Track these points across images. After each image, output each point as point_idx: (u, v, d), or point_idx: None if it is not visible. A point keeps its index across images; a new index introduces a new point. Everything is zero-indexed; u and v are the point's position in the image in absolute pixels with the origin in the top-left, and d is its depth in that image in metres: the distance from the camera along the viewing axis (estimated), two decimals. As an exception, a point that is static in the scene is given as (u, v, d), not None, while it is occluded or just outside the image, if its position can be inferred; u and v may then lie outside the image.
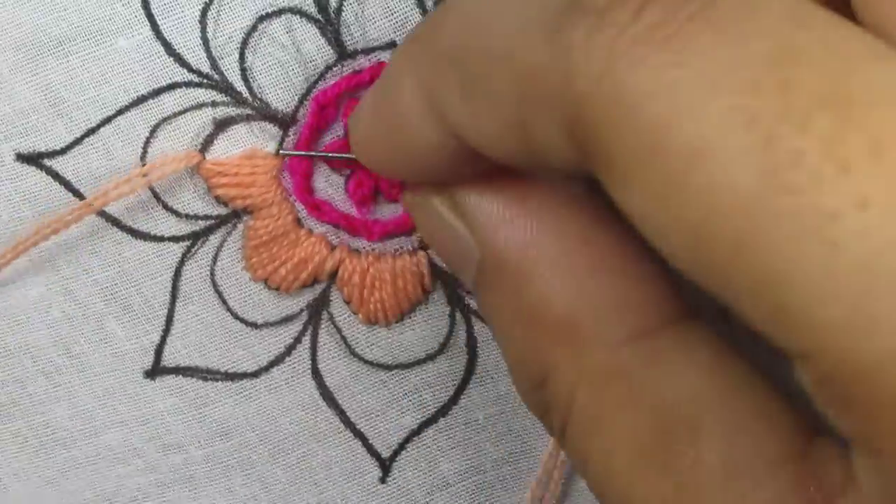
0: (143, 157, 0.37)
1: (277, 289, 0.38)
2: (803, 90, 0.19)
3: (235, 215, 0.38)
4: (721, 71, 0.20)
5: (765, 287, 0.20)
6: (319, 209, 0.37)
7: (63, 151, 0.37)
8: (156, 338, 0.39)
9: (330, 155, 0.37)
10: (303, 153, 0.37)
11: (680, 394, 0.25)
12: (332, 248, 0.38)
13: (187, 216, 0.37)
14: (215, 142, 0.37)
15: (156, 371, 0.39)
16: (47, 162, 0.37)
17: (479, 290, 0.30)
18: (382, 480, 0.40)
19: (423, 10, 0.36)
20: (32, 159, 0.37)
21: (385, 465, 0.40)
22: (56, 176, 0.37)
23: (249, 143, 0.37)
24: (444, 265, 0.38)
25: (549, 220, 0.28)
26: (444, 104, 0.26)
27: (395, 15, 0.36)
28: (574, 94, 0.22)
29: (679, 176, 0.20)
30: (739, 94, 0.20)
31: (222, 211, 0.38)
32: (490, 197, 0.29)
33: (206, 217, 0.38)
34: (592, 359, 0.26)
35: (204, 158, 0.37)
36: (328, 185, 0.38)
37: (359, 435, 0.40)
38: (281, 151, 0.37)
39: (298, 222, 0.38)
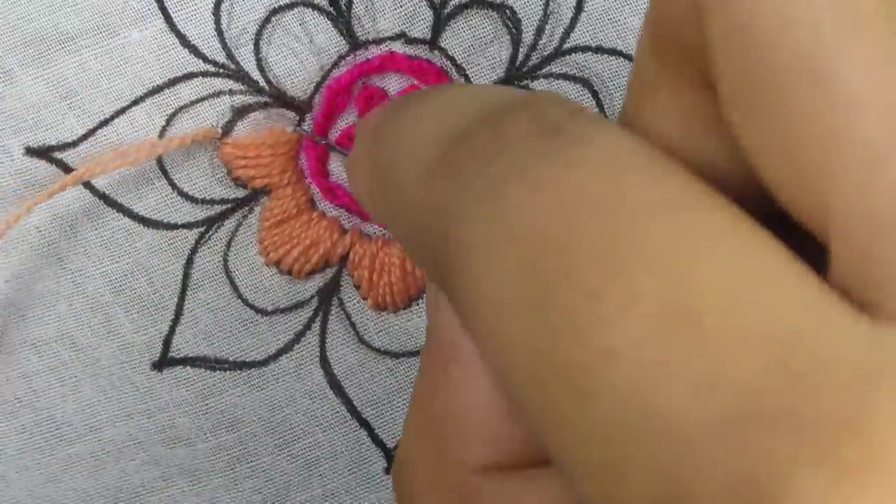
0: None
1: (289, 272, 0.39)
2: (584, 247, 0.20)
3: (253, 198, 0.38)
4: (521, 225, 0.21)
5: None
6: (333, 192, 0.38)
7: (74, 144, 0.37)
8: (164, 328, 0.39)
9: (341, 150, 0.38)
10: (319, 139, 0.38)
11: None
12: (344, 231, 0.39)
13: (203, 201, 0.38)
14: (235, 129, 0.38)
15: (163, 362, 0.39)
16: (58, 155, 0.37)
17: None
18: (388, 471, 0.41)
19: (431, 3, 0.37)
20: (42, 153, 0.37)
21: (391, 456, 0.40)
22: (66, 168, 0.37)
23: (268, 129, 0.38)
24: None
25: None
26: (374, 212, 0.28)
27: (403, 6, 0.37)
28: (433, 240, 0.23)
29: (483, 335, 0.21)
30: (530, 251, 0.20)
31: (240, 194, 0.38)
32: None
33: (223, 201, 0.38)
34: (447, 474, 0.27)
35: (220, 136, 0.37)
36: (343, 168, 0.39)
37: (364, 424, 0.40)
38: (296, 129, 0.38)
39: (313, 204, 0.39)
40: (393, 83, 0.38)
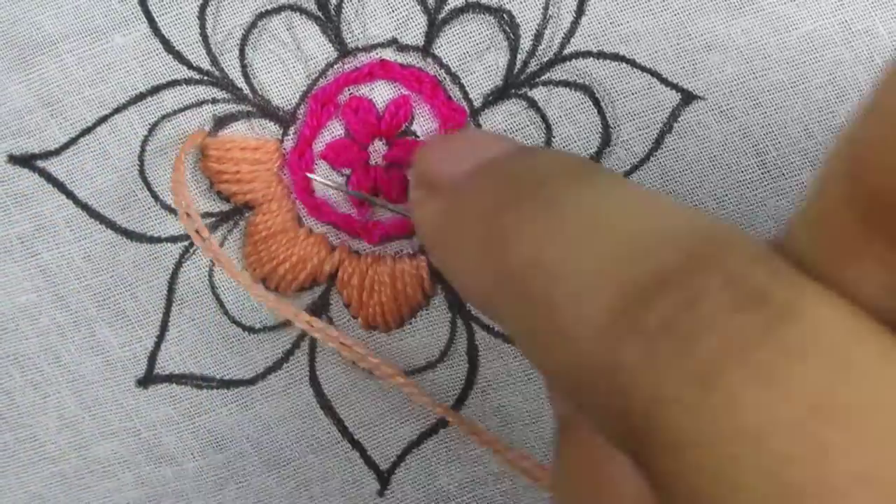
0: (140, 155, 0.36)
1: (276, 289, 0.37)
2: (840, 462, 0.19)
3: (237, 212, 0.37)
4: (759, 429, 0.20)
5: None
6: (319, 209, 0.37)
7: (57, 152, 0.37)
8: (149, 344, 0.38)
9: (354, 193, 0.37)
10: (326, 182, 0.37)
11: None
12: (332, 248, 0.37)
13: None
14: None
15: (149, 379, 0.38)
16: (40, 163, 0.37)
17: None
18: (381, 493, 0.39)
19: (425, 7, 0.36)
20: (25, 161, 0.37)
21: (383, 478, 0.39)
22: (49, 177, 0.37)
23: (250, 140, 0.37)
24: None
25: None
26: (499, 317, 0.27)
27: (396, 12, 0.36)
28: (627, 411, 0.22)
29: None
30: (775, 462, 0.20)
31: (224, 207, 0.37)
32: None
33: (207, 214, 0.37)
34: None
35: (207, 135, 0.36)
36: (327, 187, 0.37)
37: (357, 445, 0.39)
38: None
39: (299, 220, 0.37)
40: (381, 93, 0.37)
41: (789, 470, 0.19)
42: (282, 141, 0.37)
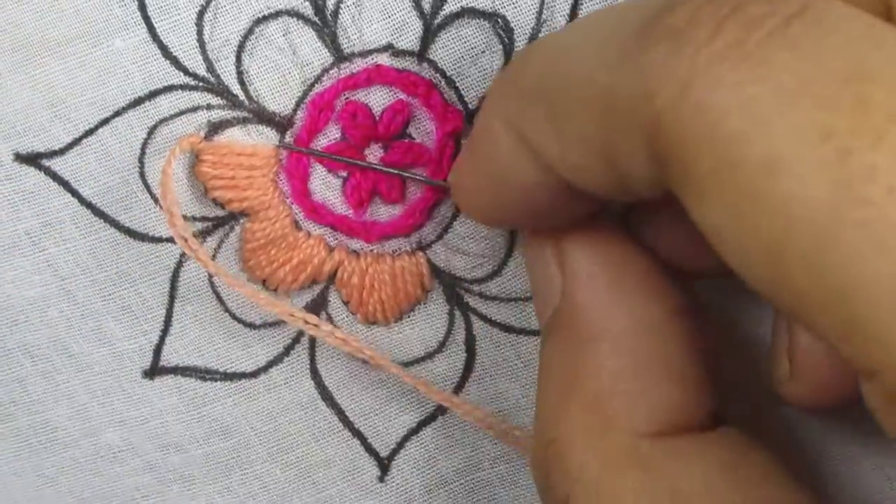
0: (140, 157, 0.37)
1: (276, 290, 0.38)
2: (877, 107, 0.20)
3: (233, 217, 0.38)
4: (798, 87, 0.21)
5: (837, 301, 0.20)
6: (317, 212, 0.37)
7: (61, 152, 0.37)
8: (154, 338, 0.39)
9: (331, 156, 0.37)
10: (306, 150, 0.37)
11: (695, 487, 0.27)
12: (331, 249, 0.38)
13: (184, 218, 0.37)
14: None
15: (154, 371, 0.39)
16: (46, 162, 0.37)
17: (545, 335, 0.31)
18: (381, 479, 0.40)
19: (420, 13, 0.36)
20: (31, 159, 0.37)
21: (384, 464, 0.40)
22: (55, 176, 0.37)
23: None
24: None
25: (631, 294, 0.30)
26: (535, 139, 0.27)
27: (391, 17, 0.36)
28: (654, 113, 0.22)
29: (756, 187, 0.21)
30: (815, 110, 0.20)
31: (220, 213, 0.38)
32: (586, 250, 0.30)
33: (204, 219, 0.38)
34: (615, 442, 0.28)
35: (202, 140, 0.37)
36: (325, 187, 0.38)
37: (357, 434, 0.40)
38: (280, 144, 0.37)
39: (296, 225, 0.38)
40: (378, 98, 0.37)
41: (834, 117, 0.20)
42: (278, 146, 0.37)
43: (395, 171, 0.37)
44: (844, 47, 0.21)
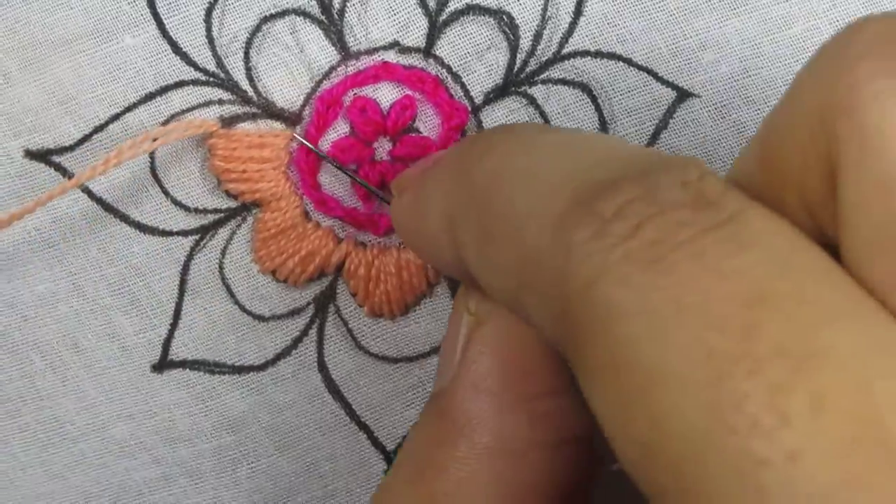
0: (151, 153, 0.37)
1: (285, 281, 0.38)
2: (764, 337, 0.20)
3: (245, 208, 0.38)
4: (696, 302, 0.21)
5: None
6: (326, 204, 0.38)
7: (72, 148, 0.37)
8: (163, 332, 0.39)
9: (334, 163, 0.38)
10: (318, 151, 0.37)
11: None
12: (339, 241, 0.38)
13: (196, 210, 0.38)
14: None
15: (163, 365, 0.39)
16: (56, 158, 0.37)
17: (430, 399, 0.30)
18: (387, 472, 0.41)
19: (426, 10, 0.36)
20: (41, 156, 0.37)
21: (390, 458, 0.40)
22: (65, 172, 0.38)
23: (256, 140, 0.38)
24: None
25: (515, 411, 0.29)
26: (461, 243, 0.27)
27: (397, 15, 0.37)
28: (565, 291, 0.23)
29: (636, 394, 0.21)
30: (704, 329, 0.20)
31: (232, 204, 0.38)
32: (497, 336, 0.29)
33: (216, 210, 0.38)
34: None
35: (220, 128, 0.37)
36: (335, 179, 0.38)
37: (364, 427, 0.40)
38: (292, 131, 0.38)
39: (306, 215, 0.38)
40: (385, 94, 0.38)
41: (719, 339, 0.20)
42: (291, 131, 0.38)
43: (377, 192, 0.37)
44: (753, 268, 0.21)
